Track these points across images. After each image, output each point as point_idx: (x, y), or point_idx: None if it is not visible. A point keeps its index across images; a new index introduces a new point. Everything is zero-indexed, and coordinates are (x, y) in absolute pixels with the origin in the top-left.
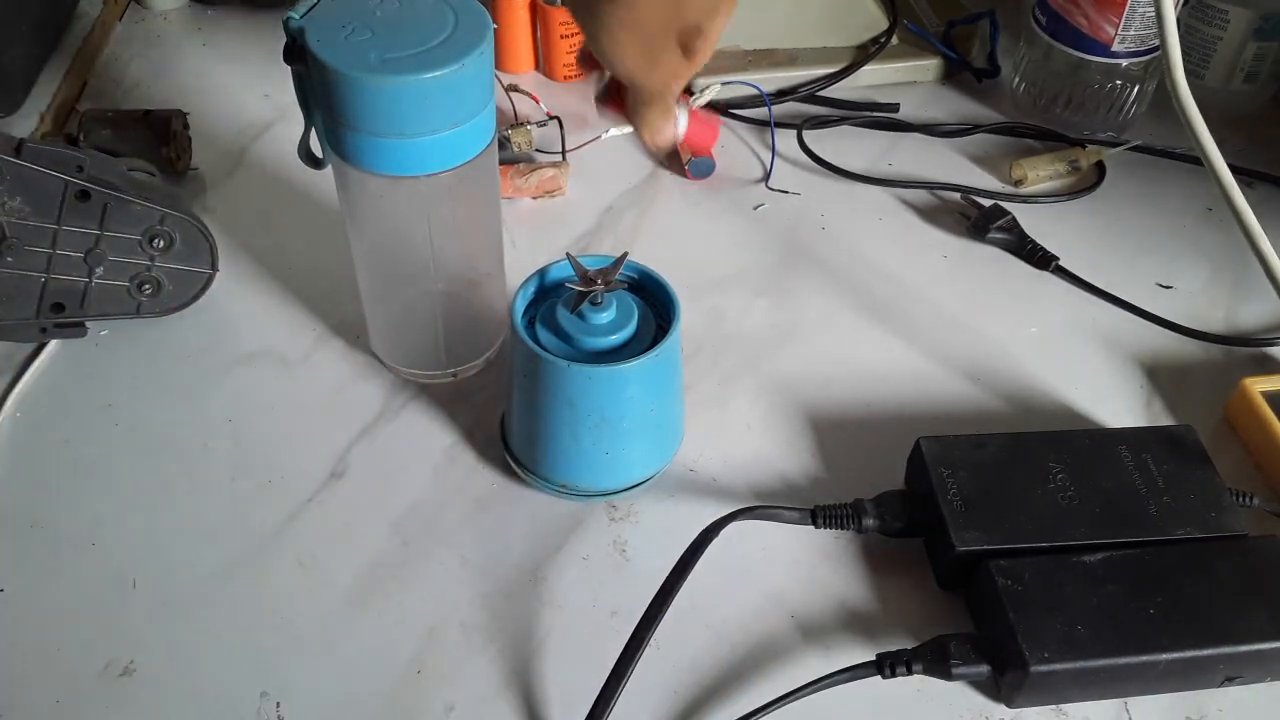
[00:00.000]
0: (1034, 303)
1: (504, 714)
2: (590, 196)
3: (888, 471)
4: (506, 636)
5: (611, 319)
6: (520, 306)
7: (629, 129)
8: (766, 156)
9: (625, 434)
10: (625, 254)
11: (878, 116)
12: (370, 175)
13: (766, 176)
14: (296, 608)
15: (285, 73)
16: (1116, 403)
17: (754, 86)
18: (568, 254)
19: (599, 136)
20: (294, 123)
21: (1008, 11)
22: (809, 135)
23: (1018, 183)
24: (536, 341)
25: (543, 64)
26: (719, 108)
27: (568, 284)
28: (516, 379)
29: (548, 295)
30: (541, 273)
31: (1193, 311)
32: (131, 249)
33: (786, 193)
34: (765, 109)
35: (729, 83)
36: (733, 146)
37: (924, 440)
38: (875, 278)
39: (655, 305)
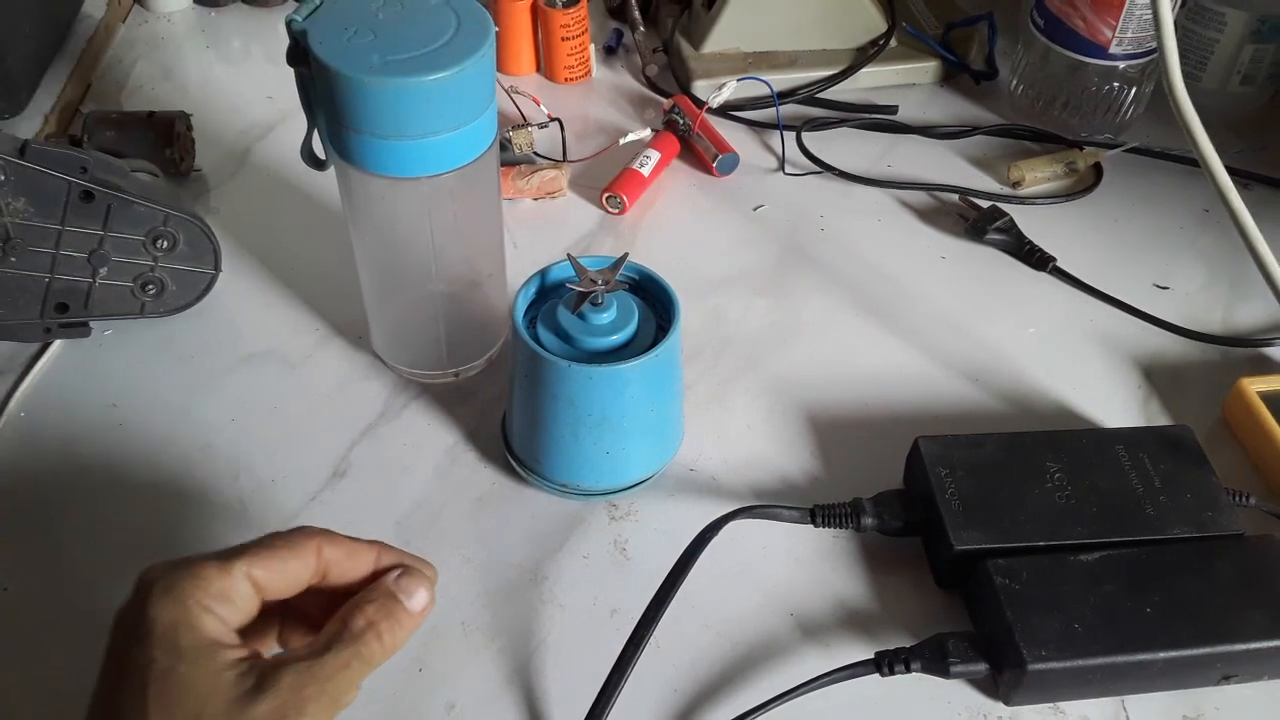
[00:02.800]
0: (1032, 303)
1: (504, 712)
2: (591, 197)
3: (887, 471)
4: (507, 635)
5: (612, 319)
6: (521, 307)
7: (643, 134)
8: (766, 158)
9: (625, 434)
10: (625, 255)
11: (876, 118)
12: (372, 176)
13: (781, 165)
14: None
15: (288, 74)
16: (1114, 403)
17: (764, 82)
18: (568, 254)
19: (610, 146)
20: (297, 124)
21: (1005, 14)
22: (808, 137)
23: (1016, 184)
24: (537, 341)
25: (544, 66)
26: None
27: (568, 284)
28: (518, 379)
29: (549, 295)
30: (542, 273)
31: (1190, 312)
32: (135, 250)
33: (803, 175)
34: (764, 111)
35: (743, 79)
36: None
37: (922, 440)
38: (874, 278)
39: (655, 306)
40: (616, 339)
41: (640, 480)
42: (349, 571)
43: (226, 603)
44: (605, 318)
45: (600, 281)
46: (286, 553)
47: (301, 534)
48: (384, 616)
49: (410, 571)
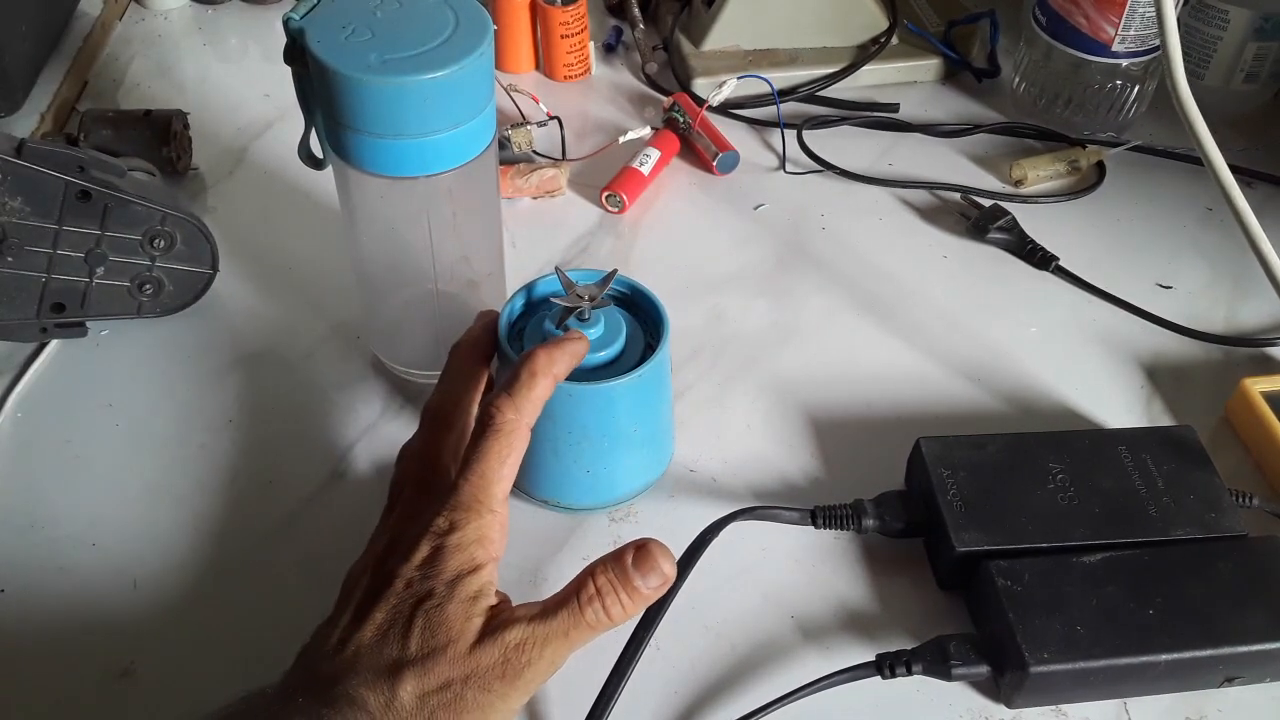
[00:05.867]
0: (1034, 303)
1: None
2: (590, 196)
3: (888, 472)
4: None
5: (598, 335)
6: (506, 321)
7: (643, 132)
8: (767, 157)
9: (607, 452)
10: (614, 271)
11: (878, 116)
12: (370, 176)
13: (782, 163)
14: (297, 608)
15: (285, 72)
16: (1116, 403)
17: (764, 80)
18: (556, 268)
19: (610, 144)
20: (294, 123)
21: (1008, 11)
22: (809, 135)
23: (1018, 183)
24: None
25: (543, 64)
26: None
27: (553, 299)
28: None
29: (536, 309)
30: (528, 287)
31: (1193, 311)
32: (132, 249)
33: (803, 173)
34: (764, 109)
35: (744, 78)
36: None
37: (924, 440)
38: (875, 278)
39: (645, 321)
40: (603, 355)
41: (622, 499)
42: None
43: (504, 538)
44: (592, 334)
45: (586, 298)
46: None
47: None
48: (612, 590)
49: (649, 548)
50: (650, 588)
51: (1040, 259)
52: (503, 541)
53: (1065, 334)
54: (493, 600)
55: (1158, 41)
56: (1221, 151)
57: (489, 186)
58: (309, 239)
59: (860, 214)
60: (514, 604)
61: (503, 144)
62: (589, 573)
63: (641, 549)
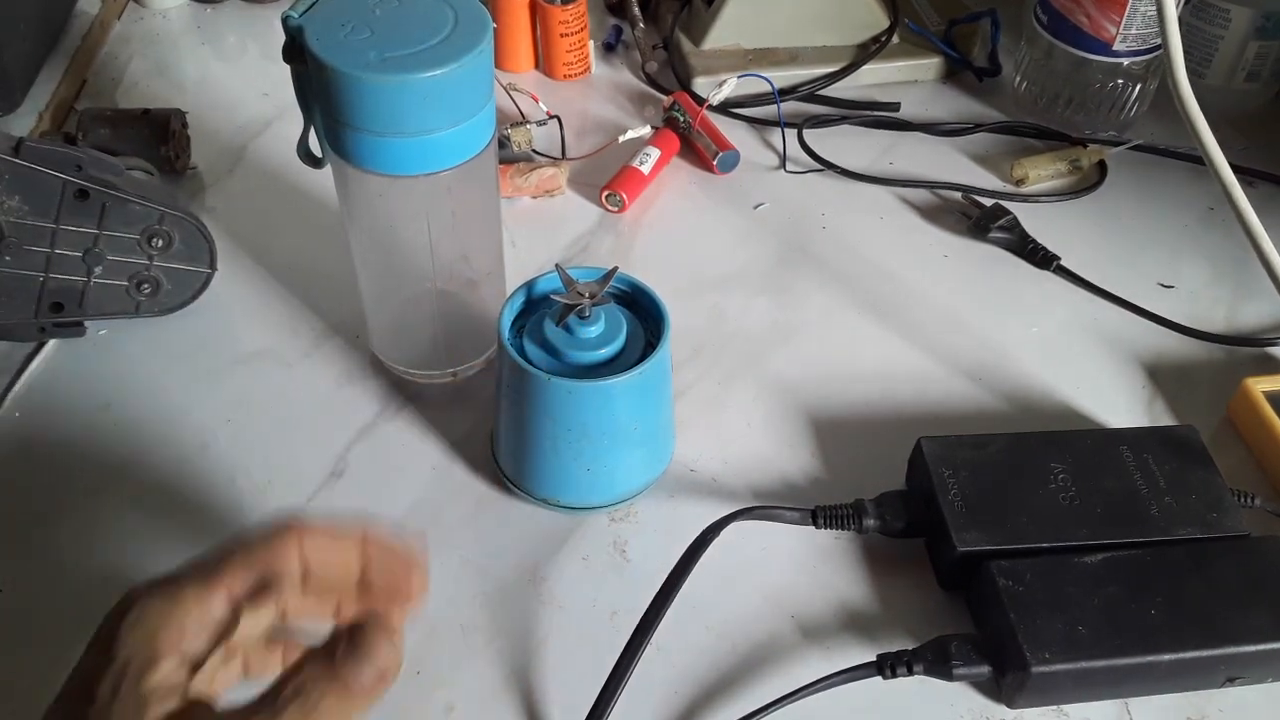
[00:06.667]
0: (1035, 302)
1: (504, 714)
2: (590, 195)
3: (888, 471)
4: (506, 637)
5: (599, 333)
6: (508, 319)
7: (643, 131)
8: (767, 155)
9: (607, 450)
10: (615, 268)
11: (879, 115)
12: (369, 174)
13: (782, 163)
14: None
15: (284, 71)
16: (1118, 403)
17: (765, 79)
18: (556, 266)
19: (609, 143)
20: (293, 121)
21: (1009, 10)
22: (810, 134)
23: (1019, 182)
24: (523, 354)
25: (542, 63)
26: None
27: (554, 296)
28: (502, 391)
29: (537, 307)
30: (529, 285)
31: (1194, 311)
32: (130, 248)
33: (804, 172)
34: (764, 108)
35: (744, 76)
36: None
37: (925, 440)
38: (876, 277)
39: (646, 319)
40: (604, 353)
41: (623, 498)
42: (337, 569)
43: (200, 633)
44: (592, 331)
45: (587, 295)
46: (266, 562)
47: (277, 536)
48: (313, 688)
49: (363, 635)
50: (363, 683)
51: (1041, 258)
52: (199, 633)
53: (1066, 334)
54: (173, 704)
55: (1159, 40)
56: (1223, 150)
57: (489, 185)
58: (308, 238)
59: (861, 213)
60: (219, 704)
61: (502, 143)
62: (297, 663)
63: (353, 636)
